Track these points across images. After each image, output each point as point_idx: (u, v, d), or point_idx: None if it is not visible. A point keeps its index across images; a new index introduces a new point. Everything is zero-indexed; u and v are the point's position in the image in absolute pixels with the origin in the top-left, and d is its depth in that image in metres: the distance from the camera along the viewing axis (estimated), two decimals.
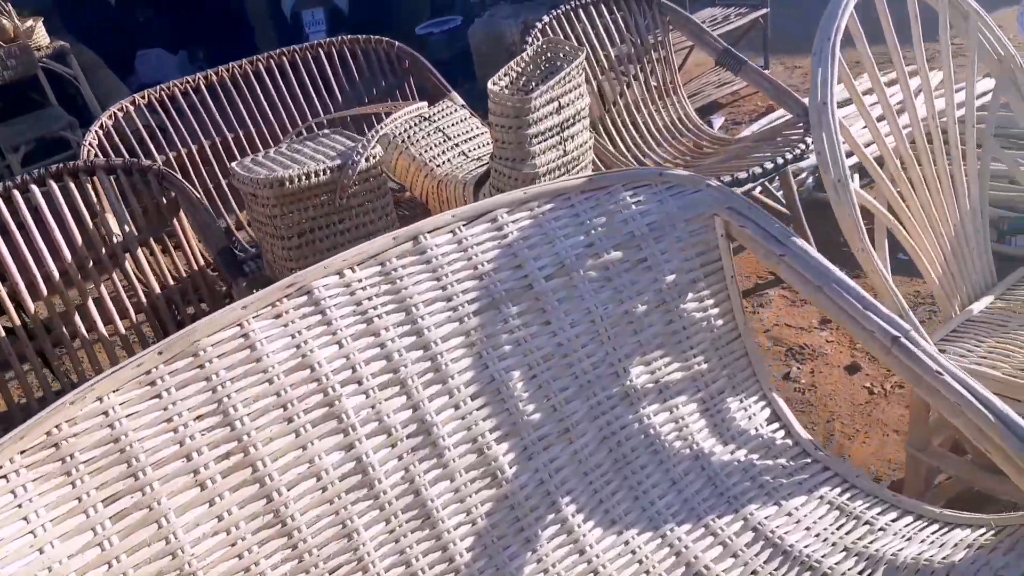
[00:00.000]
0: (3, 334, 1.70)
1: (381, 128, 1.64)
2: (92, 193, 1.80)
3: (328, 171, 1.56)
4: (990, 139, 1.34)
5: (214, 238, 1.79)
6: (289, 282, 1.00)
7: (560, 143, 1.70)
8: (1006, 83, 1.33)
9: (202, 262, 1.92)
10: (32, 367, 1.75)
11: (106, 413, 0.90)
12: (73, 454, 0.87)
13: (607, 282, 1.14)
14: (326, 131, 1.84)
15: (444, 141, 1.98)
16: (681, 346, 1.16)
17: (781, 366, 1.98)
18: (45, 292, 1.76)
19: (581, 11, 2.30)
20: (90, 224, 1.80)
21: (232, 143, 2.49)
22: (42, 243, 1.75)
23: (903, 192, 1.25)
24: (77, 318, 1.77)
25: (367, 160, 1.60)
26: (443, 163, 1.94)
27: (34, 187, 1.75)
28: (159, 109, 2.38)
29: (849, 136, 1.17)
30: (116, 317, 1.80)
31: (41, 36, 3.94)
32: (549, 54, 1.74)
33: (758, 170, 1.93)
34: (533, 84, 1.73)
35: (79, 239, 1.78)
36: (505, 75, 1.71)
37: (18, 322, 1.72)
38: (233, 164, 1.73)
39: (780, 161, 1.96)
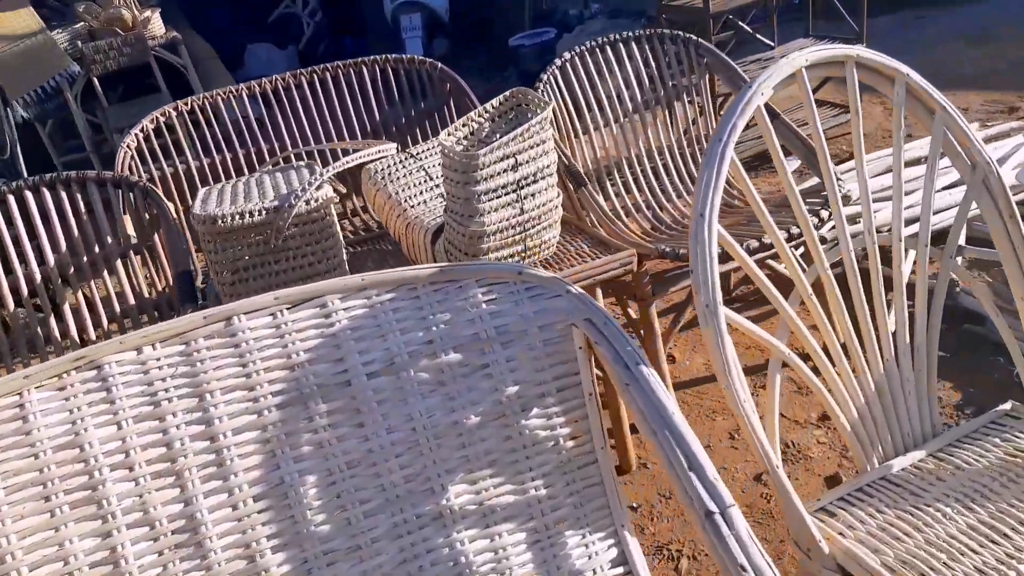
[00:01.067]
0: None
1: (328, 170, 1.59)
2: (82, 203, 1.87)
3: (263, 212, 1.53)
4: (948, 260, 1.12)
5: (178, 260, 1.82)
6: (80, 354, 0.97)
7: (517, 201, 1.59)
8: (979, 192, 1.10)
9: None
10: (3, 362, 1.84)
11: None
12: None
13: (440, 386, 1.03)
14: (299, 164, 1.82)
15: (425, 181, 1.91)
16: (518, 466, 1.04)
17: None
18: (27, 293, 1.85)
19: (608, 48, 2.16)
20: (76, 232, 1.87)
21: (267, 153, 2.53)
22: (28, 246, 1.84)
23: (816, 321, 1.06)
24: (52, 320, 1.84)
25: (307, 203, 1.56)
26: (418, 204, 1.87)
27: (27, 193, 1.84)
28: (200, 117, 2.45)
29: (735, 251, 1.01)
30: (89, 325, 1.87)
31: (157, 26, 4.18)
32: (518, 104, 1.63)
33: (754, 244, 1.73)
34: (497, 136, 1.62)
35: (63, 245, 1.86)
36: (464, 125, 1.62)
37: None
38: (201, 191, 1.74)
39: (784, 236, 1.75)
